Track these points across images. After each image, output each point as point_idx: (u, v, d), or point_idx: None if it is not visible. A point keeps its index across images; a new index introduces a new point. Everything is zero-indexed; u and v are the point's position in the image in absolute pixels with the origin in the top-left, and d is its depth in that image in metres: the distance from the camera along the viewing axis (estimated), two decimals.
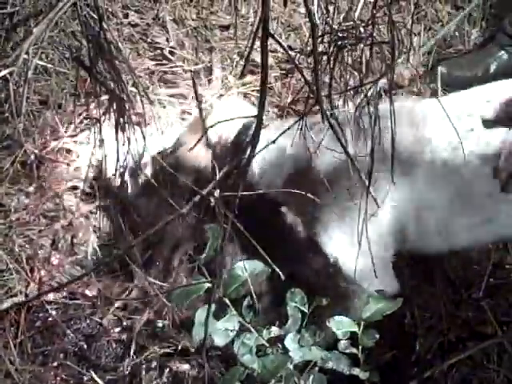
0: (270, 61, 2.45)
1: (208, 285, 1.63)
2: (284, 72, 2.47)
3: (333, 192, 1.56)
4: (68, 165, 2.20)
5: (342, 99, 1.31)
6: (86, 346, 1.90)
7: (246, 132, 1.76)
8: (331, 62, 0.99)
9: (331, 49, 1.01)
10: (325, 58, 1.13)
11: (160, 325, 1.89)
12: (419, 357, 1.77)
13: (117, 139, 1.06)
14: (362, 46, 1.07)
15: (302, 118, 1.34)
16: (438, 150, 1.58)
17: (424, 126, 1.61)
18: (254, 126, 1.67)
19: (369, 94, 1.14)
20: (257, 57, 2.50)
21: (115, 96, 0.99)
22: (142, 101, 1.63)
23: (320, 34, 1.02)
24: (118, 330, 1.92)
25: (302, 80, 2.34)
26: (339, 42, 1.01)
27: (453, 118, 1.41)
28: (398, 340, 1.81)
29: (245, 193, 1.09)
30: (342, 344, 1.62)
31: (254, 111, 1.06)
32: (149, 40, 2.54)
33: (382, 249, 1.65)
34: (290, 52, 1.02)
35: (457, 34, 2.61)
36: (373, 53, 1.06)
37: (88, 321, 1.94)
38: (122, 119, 1.02)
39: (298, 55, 2.21)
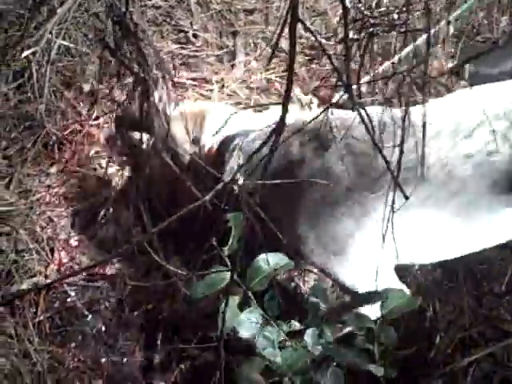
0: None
1: (231, 276, 1.64)
2: (308, 58, 2.44)
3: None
4: (89, 147, 2.19)
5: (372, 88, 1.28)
6: (104, 328, 1.90)
7: (229, 143, 1.72)
8: (361, 49, 0.96)
9: (362, 35, 0.98)
10: (353, 44, 1.10)
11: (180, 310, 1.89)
12: (439, 352, 1.74)
13: (141, 122, 1.04)
14: (394, 33, 1.03)
15: (327, 108, 1.32)
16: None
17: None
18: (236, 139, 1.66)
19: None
20: (281, 42, 2.48)
21: (140, 79, 0.97)
22: (166, 85, 1.60)
23: (351, 19, 0.99)
24: (136, 313, 1.92)
25: (327, 66, 2.36)
26: (371, 29, 0.98)
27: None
28: (418, 335, 1.78)
29: (271, 181, 1.08)
30: (359, 340, 1.62)
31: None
32: (173, 23, 2.52)
33: (388, 266, 1.63)
34: (318, 38, 0.99)
35: (485, 21, 2.54)
36: (406, 41, 1.02)
37: (106, 303, 1.94)
38: (146, 103, 1.00)
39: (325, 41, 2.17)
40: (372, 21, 0.97)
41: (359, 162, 1.52)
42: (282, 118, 0.95)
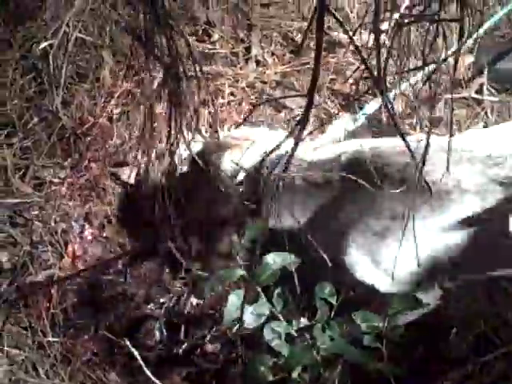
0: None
1: (241, 272, 1.65)
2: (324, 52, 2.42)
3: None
4: (105, 141, 2.19)
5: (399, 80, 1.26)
6: (117, 322, 1.91)
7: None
8: (390, 40, 0.94)
9: (391, 26, 0.96)
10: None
11: (194, 303, 1.89)
12: (452, 351, 1.73)
13: (170, 119, 1.03)
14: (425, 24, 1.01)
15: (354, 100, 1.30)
16: None
17: None
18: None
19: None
20: (297, 37, 2.47)
21: (171, 72, 0.95)
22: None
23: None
24: (149, 306, 1.93)
25: (342, 60, 2.34)
26: (401, 20, 0.95)
27: None
28: (430, 333, 1.77)
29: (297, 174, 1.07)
30: (367, 338, 1.62)
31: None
32: (188, 15, 2.51)
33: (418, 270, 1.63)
34: (346, 27, 0.97)
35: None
36: (439, 31, 0.99)
37: (120, 297, 1.94)
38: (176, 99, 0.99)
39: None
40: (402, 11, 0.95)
41: None
42: (307, 110, 0.93)
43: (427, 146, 1.04)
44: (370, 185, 1.39)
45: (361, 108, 2.20)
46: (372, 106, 2.17)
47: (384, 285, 1.65)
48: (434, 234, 1.58)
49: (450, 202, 1.53)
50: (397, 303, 1.61)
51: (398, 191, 1.31)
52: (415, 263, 1.57)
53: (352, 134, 2.11)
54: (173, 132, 1.23)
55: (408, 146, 1.00)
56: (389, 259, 1.61)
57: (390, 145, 1.65)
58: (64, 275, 1.97)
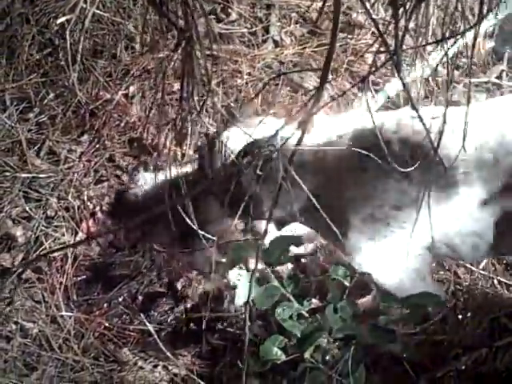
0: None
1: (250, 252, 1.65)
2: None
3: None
4: (120, 117, 2.19)
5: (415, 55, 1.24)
6: (130, 299, 1.91)
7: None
8: (408, 14, 0.92)
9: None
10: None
11: (208, 288, 1.89)
12: (466, 336, 1.72)
13: (182, 87, 1.01)
14: None
15: (363, 80, 1.29)
16: None
17: None
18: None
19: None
20: (313, 15, 2.44)
21: (186, 37, 0.93)
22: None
23: None
24: (164, 287, 1.93)
25: (361, 41, 2.32)
26: None
27: None
28: (444, 317, 1.76)
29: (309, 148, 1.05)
30: (381, 319, 1.61)
31: None
32: None
33: (419, 262, 1.61)
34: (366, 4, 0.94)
35: None
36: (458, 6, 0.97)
37: (135, 275, 1.94)
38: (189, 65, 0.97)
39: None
40: None
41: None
42: (321, 85, 0.92)
43: (444, 122, 1.02)
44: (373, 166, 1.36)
45: (376, 91, 2.18)
46: (392, 86, 2.15)
47: (384, 277, 1.64)
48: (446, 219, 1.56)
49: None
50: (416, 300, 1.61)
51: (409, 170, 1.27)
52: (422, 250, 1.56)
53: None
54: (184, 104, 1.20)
55: (421, 119, 0.98)
56: (391, 248, 1.60)
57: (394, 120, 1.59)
58: (78, 250, 1.97)
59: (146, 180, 2.05)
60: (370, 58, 2.28)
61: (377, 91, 2.19)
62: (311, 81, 2.27)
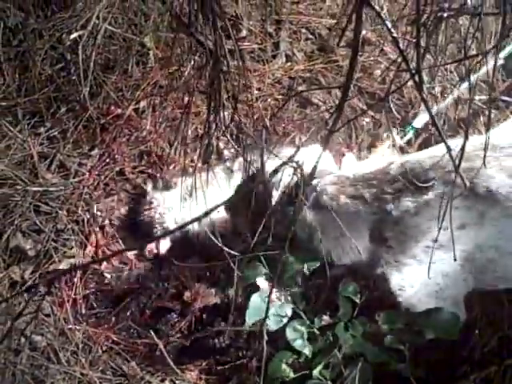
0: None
1: (265, 271, 1.67)
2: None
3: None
4: (130, 131, 2.20)
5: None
6: (138, 313, 1.92)
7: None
8: (429, 33, 0.92)
9: (431, 19, 0.94)
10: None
11: (218, 302, 1.89)
12: (474, 354, 1.71)
13: (209, 106, 1.01)
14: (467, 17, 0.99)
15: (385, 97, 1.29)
16: None
17: None
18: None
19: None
20: (323, 32, 2.45)
21: (213, 56, 0.94)
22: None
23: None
24: (175, 302, 1.93)
25: (371, 59, 2.33)
26: (440, 13, 0.94)
27: None
28: None
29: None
30: (389, 338, 1.61)
31: None
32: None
33: (454, 287, 1.62)
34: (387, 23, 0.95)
35: None
36: (480, 25, 0.97)
37: (143, 290, 1.95)
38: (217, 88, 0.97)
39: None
40: (442, 4, 0.94)
41: None
42: (341, 104, 0.93)
43: (464, 142, 1.02)
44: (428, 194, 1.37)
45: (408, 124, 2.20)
46: (421, 119, 2.17)
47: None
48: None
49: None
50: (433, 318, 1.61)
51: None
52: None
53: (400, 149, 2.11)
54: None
55: (444, 141, 0.98)
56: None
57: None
58: (87, 264, 1.98)
59: (159, 201, 2.05)
60: (379, 74, 2.29)
61: (403, 126, 2.20)
62: (320, 97, 2.28)
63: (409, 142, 2.18)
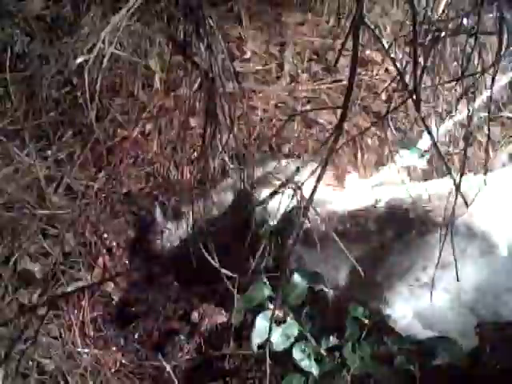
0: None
1: (269, 292, 1.66)
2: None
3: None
4: (137, 153, 2.22)
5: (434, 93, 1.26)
6: (146, 335, 1.91)
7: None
8: (426, 53, 0.93)
9: (428, 39, 0.95)
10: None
11: (225, 320, 1.88)
12: (486, 371, 1.69)
13: (205, 127, 1.02)
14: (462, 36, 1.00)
15: (385, 116, 1.30)
16: None
17: None
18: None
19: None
20: (329, 55, 2.47)
21: (208, 78, 0.95)
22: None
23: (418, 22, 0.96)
24: (179, 322, 1.91)
25: (375, 78, 2.34)
26: (437, 33, 0.95)
27: None
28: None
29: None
30: (398, 360, 1.60)
31: None
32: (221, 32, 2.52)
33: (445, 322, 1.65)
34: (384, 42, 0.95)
35: None
36: (476, 44, 0.98)
37: (151, 311, 1.94)
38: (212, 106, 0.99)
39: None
40: (438, 25, 0.95)
41: None
42: (340, 124, 0.93)
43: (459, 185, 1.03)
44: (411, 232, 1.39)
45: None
46: (424, 141, 2.17)
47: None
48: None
49: None
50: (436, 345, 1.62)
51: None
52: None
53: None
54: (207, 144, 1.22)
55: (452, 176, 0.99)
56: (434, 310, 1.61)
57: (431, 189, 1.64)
58: (94, 287, 1.97)
59: (171, 231, 2.06)
60: (384, 93, 2.30)
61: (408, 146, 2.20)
62: (325, 117, 2.28)
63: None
